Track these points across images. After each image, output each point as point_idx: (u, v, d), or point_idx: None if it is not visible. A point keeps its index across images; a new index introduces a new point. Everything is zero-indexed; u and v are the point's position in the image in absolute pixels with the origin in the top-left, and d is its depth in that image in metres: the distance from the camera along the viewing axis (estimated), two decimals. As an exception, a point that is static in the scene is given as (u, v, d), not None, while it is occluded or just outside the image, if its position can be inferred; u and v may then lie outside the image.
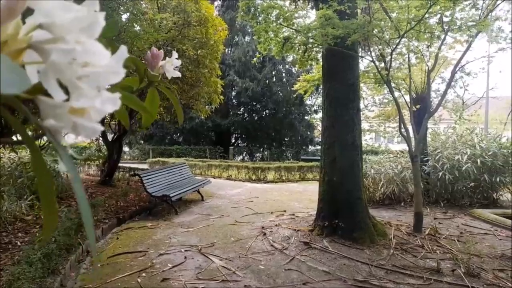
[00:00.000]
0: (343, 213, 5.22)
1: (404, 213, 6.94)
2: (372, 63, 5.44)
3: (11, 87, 0.20)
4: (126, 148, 22.58)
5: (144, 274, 4.10)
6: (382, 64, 5.83)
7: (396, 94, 6.35)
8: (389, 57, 5.16)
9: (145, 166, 15.29)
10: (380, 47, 5.88)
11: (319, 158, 17.32)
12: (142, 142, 22.80)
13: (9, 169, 7.37)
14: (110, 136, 9.97)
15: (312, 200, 7.86)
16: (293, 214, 6.84)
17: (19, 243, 4.66)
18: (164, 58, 0.88)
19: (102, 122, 8.84)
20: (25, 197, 6.26)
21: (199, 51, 7.88)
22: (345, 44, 4.85)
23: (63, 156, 0.30)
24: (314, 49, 5.75)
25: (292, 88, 11.43)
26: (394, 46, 4.95)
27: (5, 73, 0.20)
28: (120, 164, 12.45)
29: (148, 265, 4.36)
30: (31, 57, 0.27)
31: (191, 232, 5.79)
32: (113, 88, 0.97)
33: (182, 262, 4.45)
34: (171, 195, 6.79)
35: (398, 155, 8.37)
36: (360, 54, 5.66)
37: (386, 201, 7.55)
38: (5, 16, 0.25)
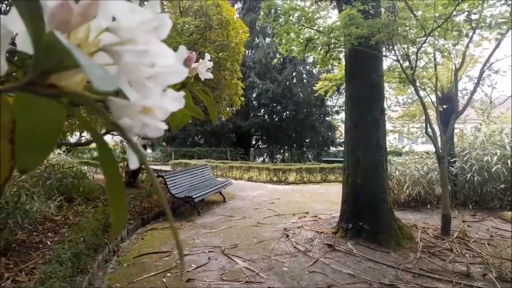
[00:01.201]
0: (367, 215, 5.13)
1: (430, 215, 6.76)
2: (397, 62, 5.33)
3: (106, 85, 0.20)
4: (149, 150, 22.99)
5: (169, 275, 4.15)
6: (407, 63, 5.71)
7: (422, 93, 6.19)
8: (414, 56, 5.05)
9: (167, 168, 15.52)
10: (405, 46, 5.77)
11: (340, 159, 17.14)
12: (164, 144, 23.14)
13: (38, 171, 7.63)
14: (134, 138, 10.19)
15: (335, 202, 7.77)
16: (316, 216, 6.78)
17: (49, 243, 4.81)
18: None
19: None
20: (53, 198, 6.47)
21: (220, 54, 7.95)
22: (369, 43, 4.78)
23: (136, 150, 0.31)
24: (337, 49, 5.70)
25: (313, 88, 11.34)
26: (420, 45, 4.84)
27: (97, 72, 0.21)
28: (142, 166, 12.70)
29: (173, 265, 4.42)
30: (99, 60, 0.28)
31: (214, 233, 5.83)
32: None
33: (206, 263, 4.48)
34: (193, 197, 6.87)
35: (423, 156, 8.17)
36: (384, 54, 5.56)
37: (411, 203, 7.38)
38: (77, 21, 0.26)
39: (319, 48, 5.58)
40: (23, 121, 0.28)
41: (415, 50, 5.15)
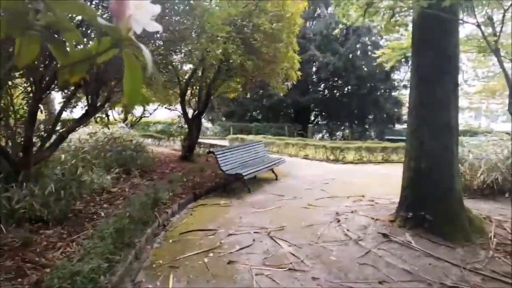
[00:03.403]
0: (431, 204, 4.55)
1: (508, 206, 5.91)
2: (477, 28, 4.51)
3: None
4: (209, 125, 23.56)
5: (211, 254, 4.06)
6: (489, 30, 4.84)
7: (506, 65, 5.25)
8: (499, 21, 4.20)
9: (225, 143, 15.70)
10: (487, 8, 4.88)
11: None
12: (223, 119, 23.46)
13: (101, 143, 8.02)
14: (190, 113, 10.29)
15: (396, 186, 7.11)
16: (373, 200, 6.28)
17: (103, 214, 4.99)
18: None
19: (183, 96, 8.90)
20: (112, 170, 6.73)
21: (274, 25, 7.51)
22: (442, 6, 4.06)
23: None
24: (403, 13, 4.98)
25: (376, 60, 10.40)
26: (508, 6, 3.99)
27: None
28: (201, 140, 12.94)
29: (217, 244, 4.33)
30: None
31: (262, 212, 5.66)
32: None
33: (250, 245, 4.33)
34: (244, 174, 6.73)
35: (504, 138, 7.11)
36: (461, 18, 4.74)
37: (485, 190, 6.51)
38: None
39: (381, 13, 4.92)
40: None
41: (501, 12, 4.29)
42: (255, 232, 4.76)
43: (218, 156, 7.03)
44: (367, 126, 21.15)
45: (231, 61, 7.52)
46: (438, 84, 4.54)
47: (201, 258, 3.97)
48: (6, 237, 3.80)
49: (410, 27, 5.65)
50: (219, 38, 6.98)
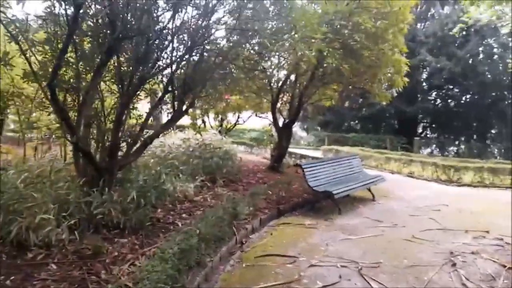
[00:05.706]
0: None
1: None
2: None
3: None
4: (303, 134, 22.99)
5: (287, 290, 3.42)
6: None
7: None
8: None
9: (318, 154, 14.88)
10: None
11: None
12: (319, 128, 22.62)
13: (191, 149, 8.01)
14: (281, 122, 9.83)
15: (534, 221, 5.55)
16: (501, 239, 4.87)
17: (180, 224, 4.75)
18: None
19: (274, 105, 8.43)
20: (196, 177, 6.56)
21: (378, 23, 6.56)
22: None
23: None
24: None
25: (508, 65, 8.48)
26: None
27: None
28: (293, 150, 12.40)
29: (295, 277, 3.66)
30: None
31: (353, 241, 4.79)
32: None
33: (335, 283, 3.55)
34: (334, 192, 5.93)
35: None
36: None
37: None
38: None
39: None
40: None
41: None
42: (342, 266, 3.95)
43: (305, 169, 6.36)
44: (488, 142, 18.04)
45: (325, 65, 6.81)
46: None
47: (275, 292, 3.36)
48: (80, 244, 3.73)
49: None
50: (313, 40, 6.35)
